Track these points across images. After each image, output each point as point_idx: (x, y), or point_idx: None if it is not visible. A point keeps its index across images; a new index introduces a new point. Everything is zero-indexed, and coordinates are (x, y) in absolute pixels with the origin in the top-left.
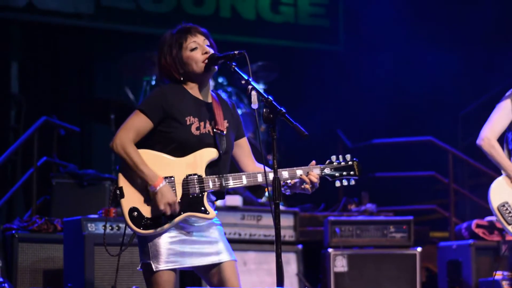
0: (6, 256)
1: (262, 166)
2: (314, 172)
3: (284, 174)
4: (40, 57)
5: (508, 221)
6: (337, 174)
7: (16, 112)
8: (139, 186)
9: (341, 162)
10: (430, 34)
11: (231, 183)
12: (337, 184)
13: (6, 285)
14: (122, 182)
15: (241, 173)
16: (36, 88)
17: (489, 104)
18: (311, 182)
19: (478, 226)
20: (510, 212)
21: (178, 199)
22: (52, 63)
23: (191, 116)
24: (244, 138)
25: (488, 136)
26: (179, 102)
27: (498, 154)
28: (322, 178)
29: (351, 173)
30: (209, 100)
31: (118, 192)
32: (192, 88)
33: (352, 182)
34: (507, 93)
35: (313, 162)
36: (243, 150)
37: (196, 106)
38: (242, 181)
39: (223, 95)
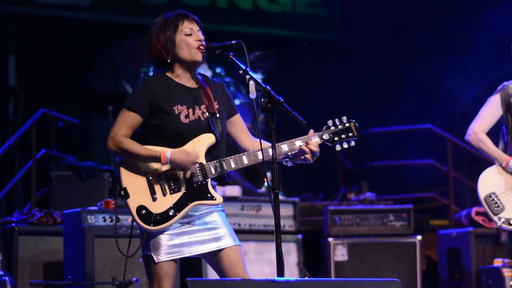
0: (6, 249)
1: (258, 140)
2: (313, 141)
3: (284, 147)
4: (38, 49)
5: (494, 211)
6: (336, 138)
7: (14, 105)
8: (143, 183)
9: (338, 125)
10: (428, 21)
11: (233, 165)
12: (338, 147)
13: (6, 278)
14: (126, 181)
15: (241, 154)
16: (34, 81)
17: (488, 91)
18: (311, 151)
19: (477, 213)
20: (496, 203)
21: (183, 190)
22: (50, 55)
23: (179, 105)
24: (237, 115)
25: (475, 130)
26: (165, 93)
27: (487, 146)
28: (322, 144)
29: (350, 134)
30: (196, 85)
31: (122, 192)
32: (178, 76)
33: (352, 144)
34: (499, 88)
35: (311, 131)
36: (237, 127)
37: (183, 94)
38: (243, 161)
39: (210, 77)
